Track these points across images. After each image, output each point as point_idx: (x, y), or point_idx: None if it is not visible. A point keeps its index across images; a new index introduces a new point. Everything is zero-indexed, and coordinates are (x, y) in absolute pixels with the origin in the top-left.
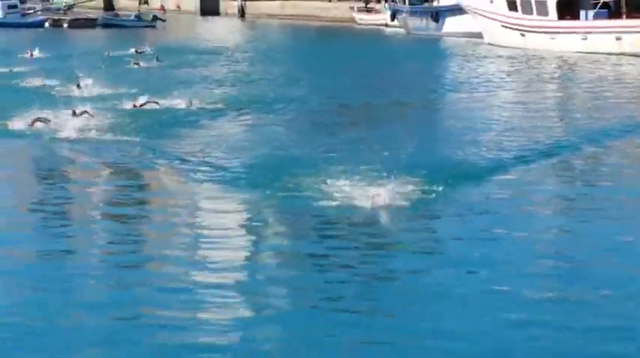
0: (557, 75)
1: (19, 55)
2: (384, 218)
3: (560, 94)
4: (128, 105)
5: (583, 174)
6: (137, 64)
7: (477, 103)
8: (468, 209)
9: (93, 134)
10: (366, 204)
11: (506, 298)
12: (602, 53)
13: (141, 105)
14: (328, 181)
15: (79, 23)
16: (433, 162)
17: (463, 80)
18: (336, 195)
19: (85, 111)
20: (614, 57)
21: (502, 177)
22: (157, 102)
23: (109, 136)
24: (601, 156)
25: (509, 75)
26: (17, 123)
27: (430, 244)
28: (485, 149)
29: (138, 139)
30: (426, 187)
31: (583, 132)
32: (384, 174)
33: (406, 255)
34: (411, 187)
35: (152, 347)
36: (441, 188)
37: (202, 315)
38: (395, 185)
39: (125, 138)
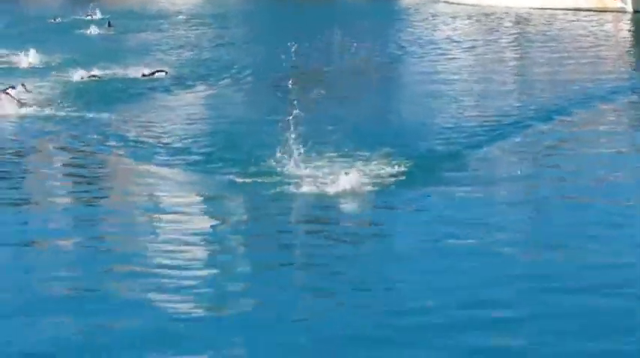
0: (515, 33)
1: None
2: (349, 203)
3: (522, 55)
4: (76, 76)
5: (556, 149)
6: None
7: (440, 70)
8: (440, 193)
9: (39, 110)
10: (331, 187)
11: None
12: (559, 9)
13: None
14: (292, 161)
15: None
16: (401, 139)
17: (423, 43)
18: (301, 177)
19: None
20: (570, 13)
21: (474, 154)
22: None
23: (56, 112)
24: (576, 123)
25: (470, 35)
26: None
27: (400, 234)
28: (452, 122)
29: (89, 115)
30: (393, 168)
31: (553, 98)
32: (350, 153)
33: (375, 247)
34: (377, 168)
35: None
36: (410, 168)
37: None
38: (362, 165)
39: (75, 114)
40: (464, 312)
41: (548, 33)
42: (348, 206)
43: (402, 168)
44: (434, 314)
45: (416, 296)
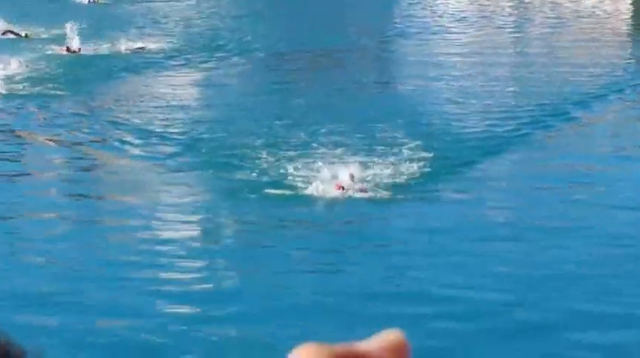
0: (517, 13)
1: None
2: (343, 208)
3: (525, 36)
4: (61, 50)
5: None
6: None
7: (444, 52)
8: (446, 196)
9: (19, 86)
10: (328, 191)
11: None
12: None
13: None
14: (283, 159)
15: None
16: (402, 136)
17: (423, 20)
18: (292, 178)
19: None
20: None
21: (480, 151)
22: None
23: (36, 90)
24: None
25: (467, 13)
26: None
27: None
28: (457, 114)
29: (69, 95)
30: (396, 168)
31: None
32: (345, 150)
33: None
34: (379, 168)
35: None
36: (415, 169)
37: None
38: (361, 165)
39: (55, 92)
40: None
41: (549, 12)
42: (342, 208)
43: (406, 172)
44: None
45: None
